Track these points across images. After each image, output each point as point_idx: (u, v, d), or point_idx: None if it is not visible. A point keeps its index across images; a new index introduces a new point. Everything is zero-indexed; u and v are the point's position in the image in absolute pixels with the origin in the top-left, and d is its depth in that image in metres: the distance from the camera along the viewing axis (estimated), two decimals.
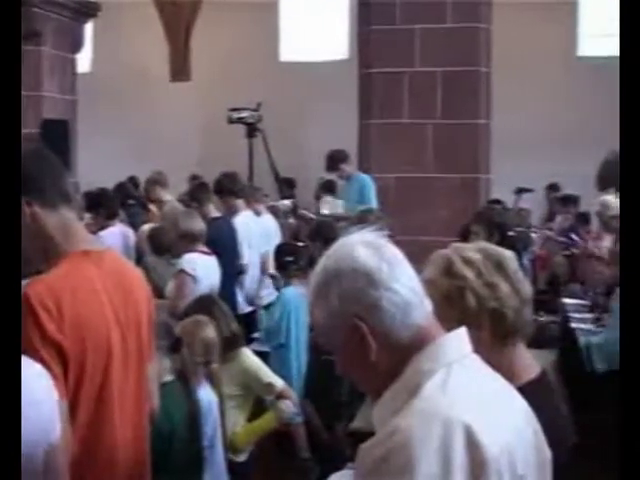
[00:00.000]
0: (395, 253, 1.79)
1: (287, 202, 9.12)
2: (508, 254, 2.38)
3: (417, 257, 2.40)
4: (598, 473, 5.26)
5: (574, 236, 9.12)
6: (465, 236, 6.02)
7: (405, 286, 1.73)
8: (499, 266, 2.29)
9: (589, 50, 14.51)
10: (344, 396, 4.80)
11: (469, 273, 2.25)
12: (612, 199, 6.58)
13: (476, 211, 6.62)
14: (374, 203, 8.27)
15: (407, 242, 7.75)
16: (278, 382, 4.83)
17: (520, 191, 9.61)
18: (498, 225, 5.87)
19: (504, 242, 6.52)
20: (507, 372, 2.14)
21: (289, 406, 4.74)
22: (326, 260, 1.79)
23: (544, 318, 8.63)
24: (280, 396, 4.78)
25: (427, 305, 1.79)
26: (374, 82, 8.91)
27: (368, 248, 1.76)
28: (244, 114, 9.24)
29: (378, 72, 8.88)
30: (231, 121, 9.33)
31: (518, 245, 6.78)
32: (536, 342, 8.08)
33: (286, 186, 10.19)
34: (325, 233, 6.16)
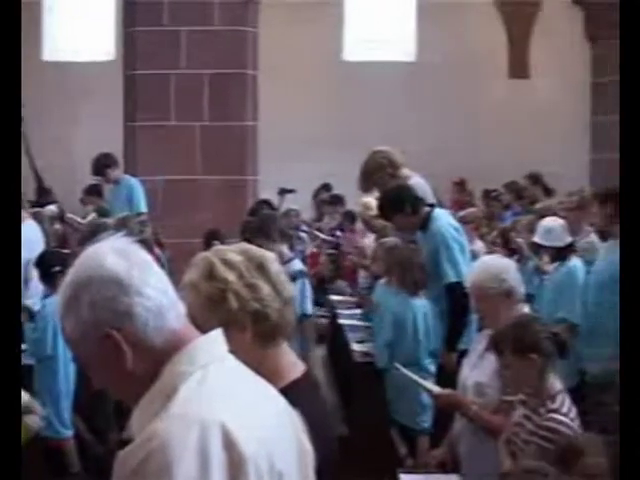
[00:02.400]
0: (145, 258, 1.76)
1: (53, 207, 8.78)
2: (270, 255, 2.40)
3: (186, 259, 2.38)
4: (368, 463, 5.46)
5: (340, 234, 9.40)
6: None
7: (157, 290, 1.72)
8: (261, 268, 2.32)
9: (355, 54, 15.04)
10: (115, 406, 4.70)
11: (230, 275, 2.26)
12: (372, 200, 6.83)
13: (261, 212, 6.71)
14: (143, 207, 8.15)
15: (176, 245, 7.76)
16: (24, 396, 4.64)
17: (283, 192, 9.76)
18: (283, 226, 6.05)
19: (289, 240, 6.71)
20: (271, 372, 2.16)
21: (35, 421, 4.57)
22: (75, 270, 1.74)
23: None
24: (26, 410, 4.58)
25: (181, 308, 1.78)
26: (139, 83, 8.79)
27: (117, 255, 1.73)
28: None
29: (143, 73, 8.76)
30: None
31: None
32: None
33: (44, 191, 9.78)
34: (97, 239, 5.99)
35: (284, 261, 5.28)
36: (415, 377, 4.62)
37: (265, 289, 2.28)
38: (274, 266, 2.36)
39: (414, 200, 5.85)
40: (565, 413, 3.49)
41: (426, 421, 5.49)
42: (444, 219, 5.96)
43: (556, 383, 3.62)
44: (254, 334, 2.28)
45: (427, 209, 5.91)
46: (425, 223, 5.84)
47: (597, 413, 5.72)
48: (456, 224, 6.12)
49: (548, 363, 3.57)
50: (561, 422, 3.44)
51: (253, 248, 2.44)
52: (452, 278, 5.55)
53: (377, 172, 6.46)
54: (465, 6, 14.30)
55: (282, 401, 1.89)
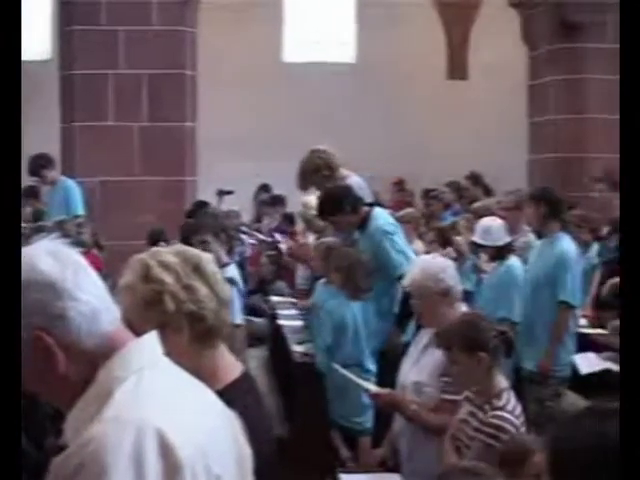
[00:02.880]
0: (79, 261, 1.74)
1: None
2: (206, 257, 2.39)
3: (126, 261, 2.36)
4: (309, 464, 5.46)
5: (279, 235, 9.38)
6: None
7: (91, 294, 1.69)
8: (197, 269, 2.30)
9: (294, 56, 15.05)
10: (49, 410, 4.62)
11: (167, 277, 2.24)
12: (313, 199, 6.83)
13: (201, 213, 6.66)
14: (80, 209, 8.05)
15: (114, 247, 7.67)
16: None
17: (221, 193, 9.72)
18: (224, 227, 5.98)
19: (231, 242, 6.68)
20: (209, 374, 2.16)
21: None
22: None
23: (254, 318, 8.84)
24: None
25: (115, 311, 1.76)
26: (77, 84, 8.68)
27: (50, 258, 1.70)
28: None
29: (81, 73, 8.66)
30: None
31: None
32: (248, 341, 8.22)
33: None
34: None
35: (220, 265, 5.23)
36: (354, 377, 4.62)
37: (202, 290, 2.27)
38: (210, 267, 2.34)
39: (353, 200, 5.87)
40: (510, 410, 3.53)
41: (367, 421, 5.49)
42: (383, 218, 5.99)
43: (502, 381, 3.66)
44: (191, 336, 2.27)
45: (366, 209, 5.94)
46: (364, 223, 5.86)
47: (533, 410, 5.83)
48: (395, 223, 6.15)
49: (495, 361, 3.61)
50: (506, 419, 3.48)
51: (189, 249, 2.43)
52: (405, 266, 5.46)
53: (314, 171, 6.47)
54: (404, 7, 14.37)
55: (219, 403, 1.88)
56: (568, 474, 2.03)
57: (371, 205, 6.12)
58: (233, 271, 5.78)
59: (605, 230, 7.08)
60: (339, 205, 5.81)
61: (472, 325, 3.66)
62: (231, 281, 5.94)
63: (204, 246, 5.40)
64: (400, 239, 5.95)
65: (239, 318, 6.08)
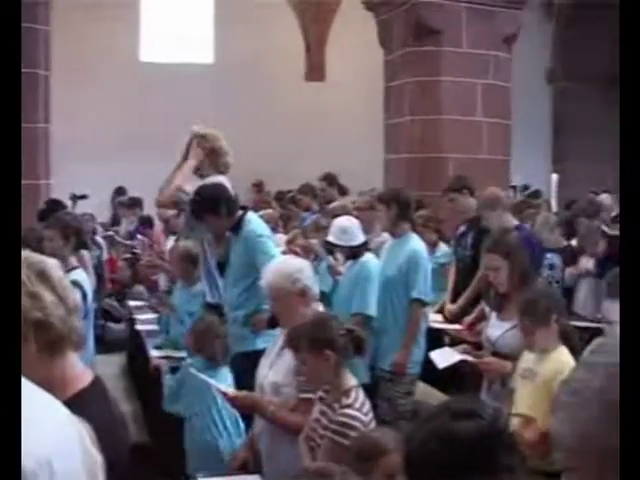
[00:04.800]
0: None
1: None
2: (51, 262, 2.32)
3: None
4: (168, 469, 5.40)
5: (139, 238, 9.25)
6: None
7: None
8: (42, 275, 2.23)
9: (151, 56, 14.85)
10: None
11: None
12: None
13: (52, 216, 6.41)
14: None
15: None
16: None
17: (74, 198, 9.43)
18: (76, 230, 5.75)
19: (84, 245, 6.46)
20: (58, 383, 2.10)
21: None
22: None
23: (111, 323, 8.68)
24: None
25: None
26: None
27: None
28: None
29: None
30: None
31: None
32: (105, 347, 8.07)
33: None
34: None
35: (67, 269, 5.07)
36: (211, 381, 4.60)
37: (47, 297, 2.20)
38: (56, 273, 2.27)
39: (229, 202, 5.82)
40: (358, 408, 3.58)
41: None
42: (257, 222, 5.99)
43: (350, 379, 3.70)
44: (38, 344, 2.20)
45: (241, 212, 5.92)
46: (238, 225, 5.84)
47: (385, 409, 5.95)
48: (267, 227, 6.17)
49: (343, 359, 3.66)
50: (353, 417, 3.52)
51: (33, 255, 2.35)
52: None
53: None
54: (264, 9, 14.40)
55: (66, 413, 1.83)
56: (420, 473, 2.08)
57: (244, 209, 6.09)
58: (80, 275, 5.60)
59: (461, 229, 7.28)
60: (215, 206, 5.76)
61: (319, 324, 3.70)
62: (75, 284, 5.80)
63: (46, 247, 5.27)
64: (272, 243, 5.96)
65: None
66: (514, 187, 13.26)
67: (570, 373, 1.41)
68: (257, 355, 4.54)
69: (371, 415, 3.64)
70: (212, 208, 5.76)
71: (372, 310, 6.02)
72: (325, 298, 6.24)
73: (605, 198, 10.88)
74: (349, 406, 3.57)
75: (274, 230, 7.74)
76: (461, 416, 2.08)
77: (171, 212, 7.05)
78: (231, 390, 4.42)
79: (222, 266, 6.09)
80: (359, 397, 3.64)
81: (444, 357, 5.23)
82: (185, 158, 6.47)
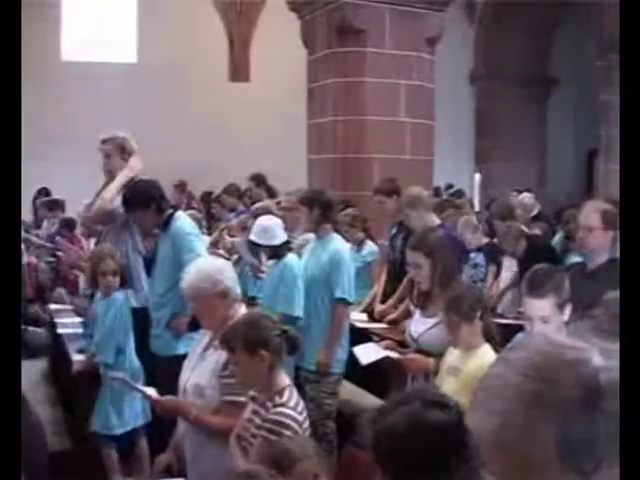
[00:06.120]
0: None
1: None
2: None
3: None
4: (91, 476, 5.31)
5: (59, 241, 9.08)
6: None
7: None
8: None
9: (73, 55, 14.63)
10: None
11: None
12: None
13: None
14: None
15: None
16: None
17: None
18: None
19: None
20: None
21: None
22: None
23: (33, 327, 8.49)
24: None
25: None
26: None
27: None
28: None
29: None
30: None
31: None
32: (27, 352, 7.88)
33: None
34: None
35: None
36: (135, 385, 4.53)
37: None
38: None
39: (160, 199, 5.83)
40: (292, 407, 3.56)
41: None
42: (186, 221, 6.01)
43: (284, 378, 3.69)
44: None
45: (170, 210, 5.91)
46: (167, 223, 5.81)
47: (310, 409, 5.95)
48: (195, 226, 6.17)
49: (277, 359, 3.63)
50: (287, 415, 3.51)
51: None
52: None
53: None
54: (187, 8, 14.29)
55: None
56: (386, 454, 2.12)
57: (174, 207, 6.12)
58: None
59: (392, 231, 7.33)
60: (146, 202, 5.75)
61: (253, 324, 3.67)
62: None
63: None
64: (200, 242, 5.97)
65: None
66: (438, 187, 13.42)
67: (488, 369, 1.41)
68: (180, 360, 4.47)
69: (305, 414, 3.63)
70: (143, 203, 5.76)
71: (298, 311, 6.03)
72: (249, 298, 6.23)
73: (526, 197, 11.06)
74: (283, 405, 3.55)
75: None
76: (433, 405, 2.15)
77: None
78: (154, 394, 4.35)
79: (149, 264, 6.03)
80: (293, 396, 3.63)
81: (368, 353, 5.24)
82: (110, 171, 6.41)
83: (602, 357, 1.33)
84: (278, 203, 8.07)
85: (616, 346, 1.37)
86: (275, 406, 3.56)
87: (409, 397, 2.23)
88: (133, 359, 5.71)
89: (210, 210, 10.36)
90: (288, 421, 3.50)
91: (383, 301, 7.11)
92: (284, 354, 3.71)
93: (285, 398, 3.60)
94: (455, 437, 2.10)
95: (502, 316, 7.06)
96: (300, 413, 3.59)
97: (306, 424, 3.60)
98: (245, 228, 7.32)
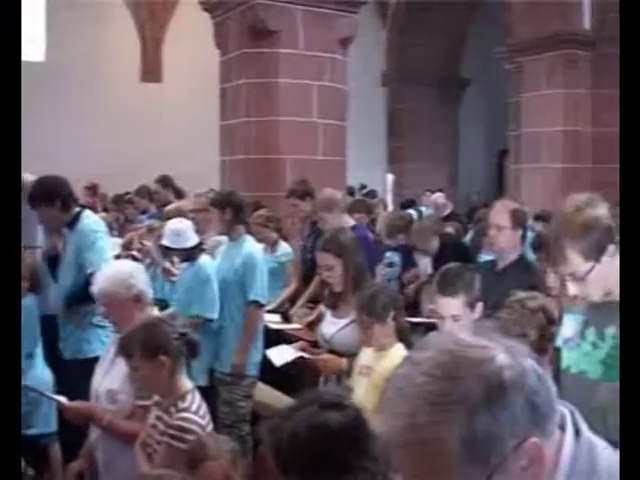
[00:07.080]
0: None
1: None
2: None
3: None
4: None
5: None
6: None
7: None
8: None
9: None
10: None
11: None
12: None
13: None
14: None
15: None
16: None
17: None
18: None
19: None
20: None
21: None
22: None
23: None
24: None
25: None
26: None
27: None
28: None
29: None
30: None
31: None
32: None
33: None
34: None
35: None
36: (46, 392, 4.45)
37: None
38: None
39: (67, 196, 5.71)
40: (194, 411, 3.53)
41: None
42: (93, 218, 5.93)
43: (186, 382, 3.65)
44: None
45: (78, 209, 5.81)
46: (74, 221, 5.71)
47: (225, 412, 5.93)
48: (103, 224, 6.08)
49: (177, 363, 3.59)
50: (189, 420, 3.48)
51: None
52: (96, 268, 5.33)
53: None
54: (98, 7, 14.09)
55: None
56: (289, 461, 2.12)
57: (82, 207, 6.01)
58: None
59: (306, 232, 7.34)
60: (51, 198, 5.63)
61: (151, 329, 3.59)
62: None
63: None
64: (106, 240, 5.90)
65: None
66: (351, 187, 13.51)
67: (395, 369, 1.43)
68: (91, 362, 4.41)
69: (208, 418, 3.60)
70: (48, 198, 5.63)
71: (212, 313, 6.00)
72: (161, 302, 6.17)
73: (438, 197, 11.22)
74: (185, 409, 3.52)
75: (110, 234, 7.59)
76: (330, 407, 2.16)
77: None
78: (64, 400, 4.28)
79: (53, 261, 5.91)
80: (195, 400, 3.60)
81: (281, 355, 5.25)
82: None
83: (507, 355, 1.37)
84: (189, 205, 8.01)
85: (520, 346, 1.41)
86: (178, 411, 3.52)
87: (305, 402, 2.23)
88: (42, 365, 5.61)
89: (123, 212, 10.22)
90: (191, 426, 3.47)
91: (294, 302, 7.15)
92: (183, 358, 3.67)
93: (187, 403, 3.56)
94: (355, 436, 2.12)
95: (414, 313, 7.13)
96: (203, 417, 3.56)
97: (209, 428, 3.58)
98: (153, 230, 7.24)
